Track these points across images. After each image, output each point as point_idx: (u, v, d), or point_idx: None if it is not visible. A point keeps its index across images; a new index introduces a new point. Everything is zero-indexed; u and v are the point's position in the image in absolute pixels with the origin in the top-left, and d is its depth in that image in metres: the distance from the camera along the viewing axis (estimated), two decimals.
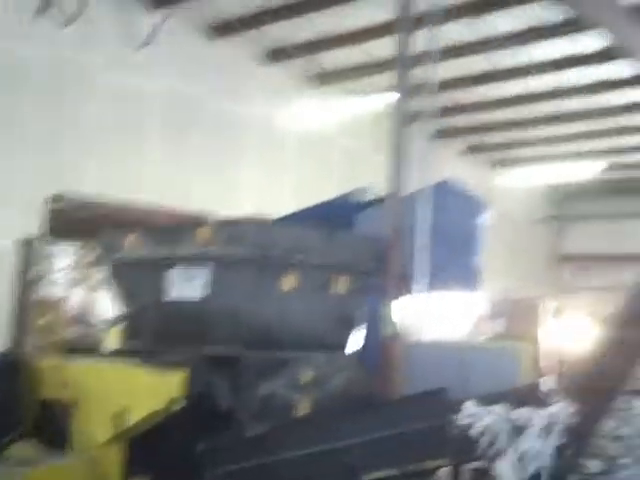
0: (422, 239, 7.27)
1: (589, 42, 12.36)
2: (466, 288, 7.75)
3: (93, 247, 7.05)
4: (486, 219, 7.73)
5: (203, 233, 6.38)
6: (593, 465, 5.62)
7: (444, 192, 7.72)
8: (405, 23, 8.02)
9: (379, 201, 8.03)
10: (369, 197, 8.37)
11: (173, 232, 6.66)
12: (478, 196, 7.89)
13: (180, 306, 6.37)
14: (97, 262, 6.89)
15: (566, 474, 5.38)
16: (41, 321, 6.45)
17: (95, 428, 5.11)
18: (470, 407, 5.47)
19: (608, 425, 6.03)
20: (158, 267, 6.45)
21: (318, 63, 13.77)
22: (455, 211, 7.65)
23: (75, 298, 6.96)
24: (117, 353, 6.31)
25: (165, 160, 11.30)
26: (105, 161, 10.75)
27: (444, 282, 7.39)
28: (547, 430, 5.51)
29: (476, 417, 5.43)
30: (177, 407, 5.27)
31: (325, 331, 6.53)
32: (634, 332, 6.92)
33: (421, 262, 7.21)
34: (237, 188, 12.08)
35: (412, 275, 7.22)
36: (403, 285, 7.12)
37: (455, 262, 7.48)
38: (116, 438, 5.08)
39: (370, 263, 7.04)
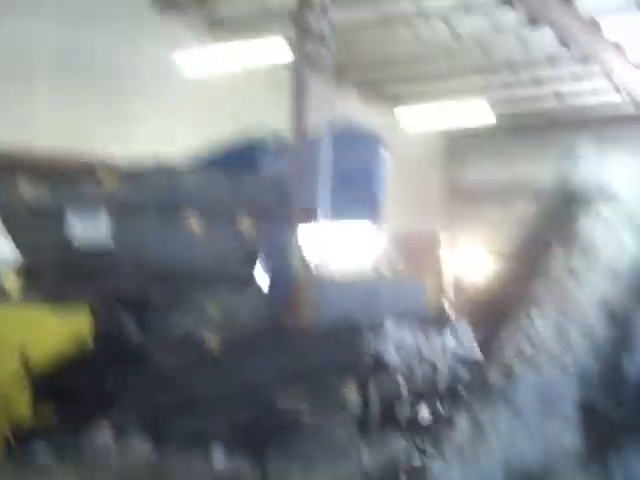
0: (325, 177, 7.36)
1: None
2: (367, 220, 7.90)
3: None
4: (385, 157, 7.88)
5: (106, 177, 6.29)
6: (495, 379, 5.87)
7: (344, 131, 7.83)
8: None
9: (281, 143, 8.07)
10: (270, 140, 8.40)
11: (74, 176, 6.53)
12: (377, 134, 8.02)
13: (83, 250, 6.27)
14: None
15: (471, 389, 5.60)
16: None
17: (1, 370, 5.01)
18: (379, 333, 5.62)
19: (509, 342, 6.30)
20: (59, 212, 6.32)
21: (214, 11, 13.58)
22: (356, 149, 7.77)
23: None
24: (20, 296, 6.16)
25: (58, 107, 10.95)
26: None
27: (347, 218, 7.52)
28: (453, 351, 5.74)
29: (386, 342, 5.59)
30: (84, 347, 5.22)
31: (233, 270, 6.57)
32: (527, 261, 7.24)
33: (324, 200, 7.30)
34: (134, 135, 11.85)
35: (316, 212, 7.32)
36: (308, 222, 7.21)
37: (357, 199, 7.61)
38: (24, 379, 5.00)
39: (275, 203, 7.10)
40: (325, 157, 7.45)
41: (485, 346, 5.93)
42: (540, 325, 6.41)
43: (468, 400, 5.55)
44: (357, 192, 7.58)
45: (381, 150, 7.84)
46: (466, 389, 5.61)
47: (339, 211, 7.23)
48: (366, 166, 7.71)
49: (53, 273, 6.21)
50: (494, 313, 6.55)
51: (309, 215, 7.16)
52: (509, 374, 5.85)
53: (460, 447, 5.06)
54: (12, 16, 10.74)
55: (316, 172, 7.36)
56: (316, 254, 7.40)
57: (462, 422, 5.36)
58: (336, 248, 7.87)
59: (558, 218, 7.85)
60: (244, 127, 8.97)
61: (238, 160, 7.54)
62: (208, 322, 6.04)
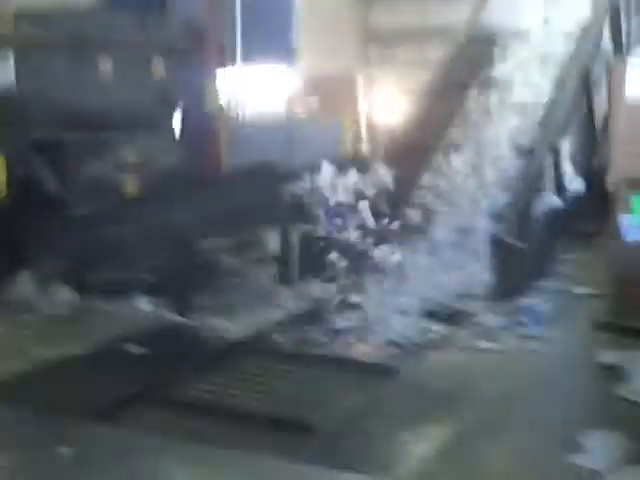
0: (238, 14, 7.12)
1: None
2: (282, 63, 7.72)
3: None
4: None
5: (7, 20, 5.93)
6: (414, 214, 6.05)
7: None
8: None
9: None
10: None
11: None
12: None
13: None
14: None
15: (390, 228, 5.76)
16: None
17: None
18: (297, 177, 5.64)
19: (426, 180, 6.45)
20: None
21: None
22: None
23: None
24: None
25: None
26: None
27: (261, 57, 7.33)
28: (371, 192, 5.84)
29: (304, 184, 5.62)
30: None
31: (147, 112, 6.38)
32: (443, 103, 7.32)
33: (238, 37, 7.09)
34: None
35: (230, 50, 7.11)
36: (222, 61, 7.01)
37: (271, 37, 7.41)
38: None
39: (187, 41, 6.86)
40: None
41: (403, 186, 6.04)
42: (456, 163, 6.56)
43: (388, 239, 5.71)
44: (271, 32, 7.35)
45: None
46: (385, 228, 5.74)
47: (254, 52, 7.03)
48: (281, 3, 7.47)
49: None
50: (411, 154, 6.65)
51: (223, 57, 6.94)
52: (426, 211, 6.03)
53: (380, 283, 5.25)
54: None
55: (229, 10, 7.09)
56: (232, 97, 7.22)
57: (382, 260, 5.55)
58: (252, 91, 7.67)
59: (472, 59, 7.89)
60: None
61: None
62: (124, 167, 5.92)
